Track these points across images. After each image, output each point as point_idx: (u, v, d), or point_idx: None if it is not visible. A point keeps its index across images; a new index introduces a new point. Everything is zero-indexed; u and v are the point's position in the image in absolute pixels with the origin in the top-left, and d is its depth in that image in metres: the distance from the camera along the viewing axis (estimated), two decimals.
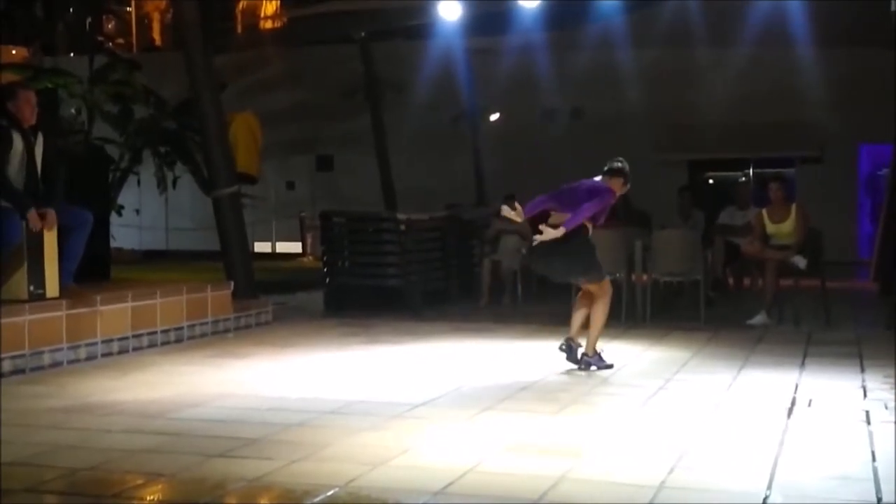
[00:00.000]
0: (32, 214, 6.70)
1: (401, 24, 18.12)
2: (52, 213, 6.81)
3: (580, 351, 6.68)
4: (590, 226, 6.68)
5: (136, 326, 7.40)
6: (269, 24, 24.65)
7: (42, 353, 6.54)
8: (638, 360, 7.08)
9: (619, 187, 6.80)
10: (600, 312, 6.69)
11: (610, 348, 7.67)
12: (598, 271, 6.70)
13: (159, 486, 3.88)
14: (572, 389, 5.88)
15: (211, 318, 8.26)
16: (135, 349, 7.35)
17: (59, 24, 19.41)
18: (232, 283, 8.84)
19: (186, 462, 4.18)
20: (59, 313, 6.72)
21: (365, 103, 18.00)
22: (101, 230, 8.59)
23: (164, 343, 7.66)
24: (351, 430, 4.79)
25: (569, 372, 6.57)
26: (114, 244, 11.59)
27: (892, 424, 4.93)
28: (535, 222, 6.80)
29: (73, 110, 15.80)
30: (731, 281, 11.15)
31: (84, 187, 8.41)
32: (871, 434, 4.73)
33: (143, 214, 20.14)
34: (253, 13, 25.14)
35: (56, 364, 6.63)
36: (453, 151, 18.37)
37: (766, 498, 3.70)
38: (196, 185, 15.37)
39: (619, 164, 6.89)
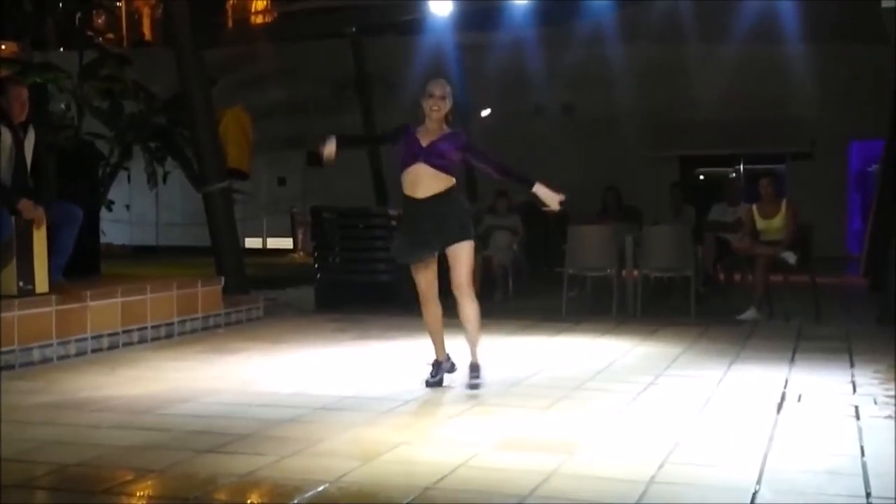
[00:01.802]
0: (25, 203, 6.65)
1: (392, 19, 18.08)
2: (40, 211, 6.77)
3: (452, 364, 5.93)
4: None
5: (125, 322, 7.38)
6: (259, 19, 24.58)
7: (31, 348, 6.51)
8: (628, 356, 7.09)
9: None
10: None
11: (600, 344, 7.70)
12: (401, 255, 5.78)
13: (149, 482, 3.87)
14: (563, 385, 5.89)
15: (201, 314, 8.24)
16: (125, 345, 7.33)
17: (49, 19, 19.34)
18: (222, 279, 8.82)
19: (176, 458, 4.17)
20: (48, 309, 6.70)
21: (356, 99, 17.97)
22: (91, 225, 8.58)
23: (154, 339, 7.64)
24: (342, 425, 4.79)
25: (560, 368, 6.58)
26: (104, 240, 11.57)
27: (882, 419, 4.96)
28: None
29: (62, 105, 15.77)
30: (721, 276, 11.18)
31: (74, 183, 8.41)
32: (860, 429, 4.75)
33: (133, 210, 20.09)
34: (243, 8, 25.08)
35: (46, 360, 6.61)
36: None
37: (755, 492, 3.71)
38: (186, 181, 15.34)
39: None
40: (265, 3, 24.63)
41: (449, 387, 5.84)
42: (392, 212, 10.61)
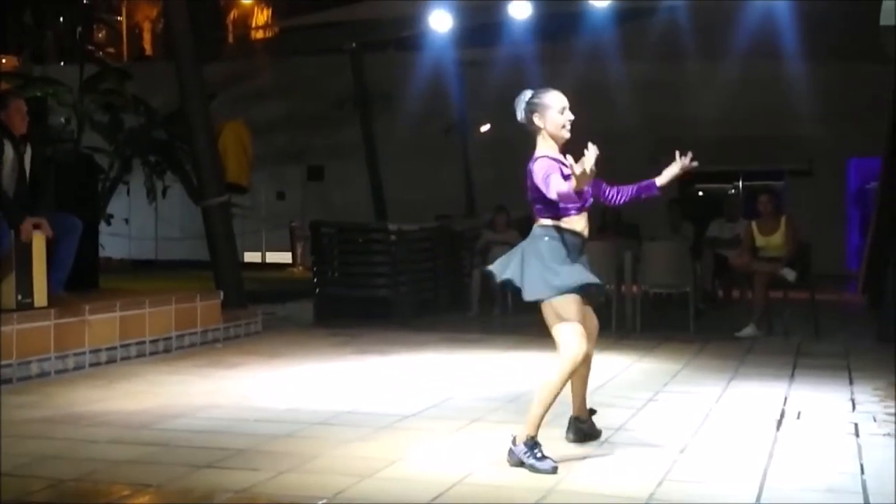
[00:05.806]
0: (26, 225, 6.65)
1: (392, 35, 18.13)
2: (45, 222, 6.78)
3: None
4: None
5: (124, 336, 7.36)
6: (260, 34, 24.66)
7: (29, 362, 6.49)
8: (627, 372, 7.07)
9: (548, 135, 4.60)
10: (548, 382, 4.45)
11: (599, 359, 7.66)
12: (543, 289, 4.77)
13: (146, 497, 3.86)
14: (561, 401, 5.83)
15: (200, 328, 8.22)
16: (123, 359, 7.31)
17: (49, 33, 19.40)
18: (221, 293, 8.81)
19: (173, 473, 4.16)
20: (46, 322, 6.68)
21: (356, 114, 18.00)
22: (91, 239, 8.56)
23: (153, 353, 7.63)
24: (339, 441, 4.78)
25: None
26: (103, 253, 11.56)
27: (881, 437, 4.94)
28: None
29: (62, 119, 15.77)
30: (720, 293, 11.18)
31: (73, 196, 8.39)
32: (859, 446, 4.73)
33: (132, 224, 20.06)
34: (244, 23, 25.17)
35: (44, 374, 6.59)
36: (444, 162, 18.37)
37: None
38: (186, 195, 15.33)
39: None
40: (266, 18, 24.72)
41: (446, 402, 5.82)
42: (391, 227, 10.62)
